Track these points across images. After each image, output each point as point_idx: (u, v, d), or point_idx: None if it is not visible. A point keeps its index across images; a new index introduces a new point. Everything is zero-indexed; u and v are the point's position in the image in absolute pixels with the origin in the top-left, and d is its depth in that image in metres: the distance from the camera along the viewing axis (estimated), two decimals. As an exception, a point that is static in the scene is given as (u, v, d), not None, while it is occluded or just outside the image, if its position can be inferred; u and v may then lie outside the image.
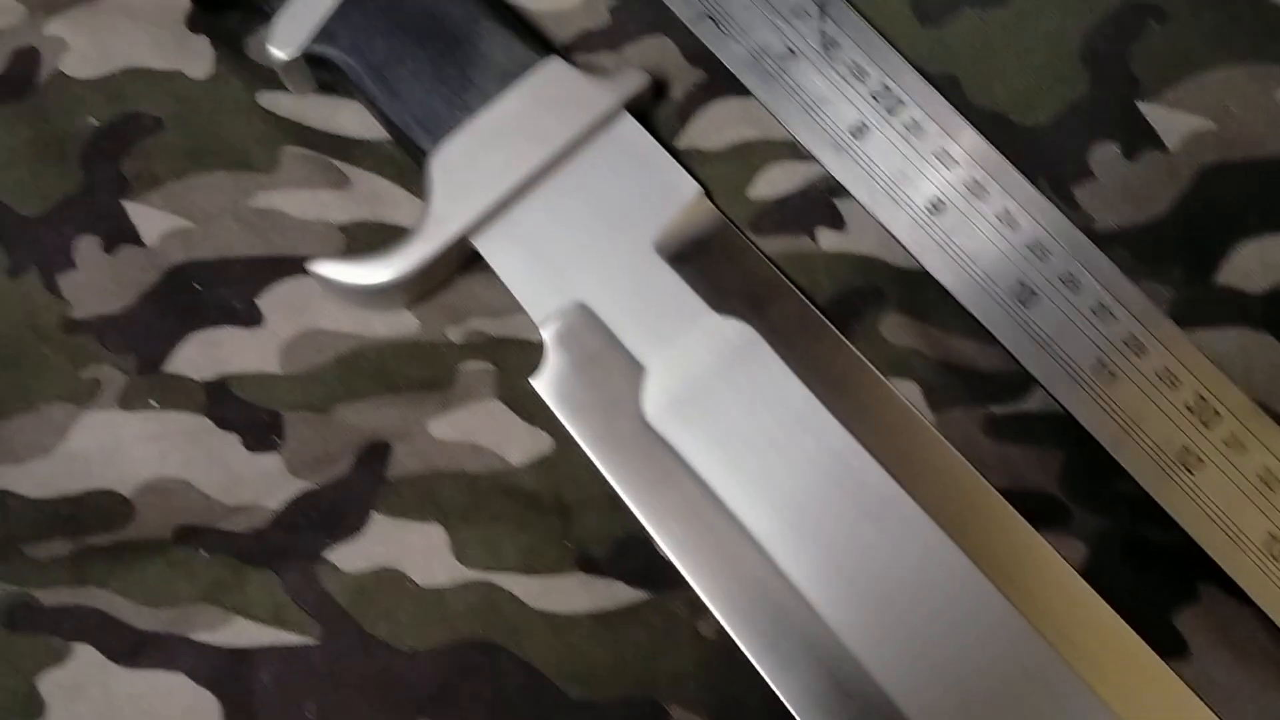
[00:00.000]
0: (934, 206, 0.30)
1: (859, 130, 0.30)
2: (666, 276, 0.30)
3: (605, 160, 0.31)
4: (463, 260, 0.31)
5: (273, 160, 0.32)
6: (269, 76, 0.33)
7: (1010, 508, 0.28)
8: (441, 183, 0.30)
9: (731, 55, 0.31)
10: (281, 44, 0.31)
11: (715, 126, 0.32)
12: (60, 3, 0.33)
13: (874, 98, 0.30)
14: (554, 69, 0.31)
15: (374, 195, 0.32)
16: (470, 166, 0.30)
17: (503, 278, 0.30)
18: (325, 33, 0.31)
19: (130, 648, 0.29)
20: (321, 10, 0.31)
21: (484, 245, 0.30)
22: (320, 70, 0.32)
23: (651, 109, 0.32)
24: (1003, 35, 0.32)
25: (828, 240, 0.31)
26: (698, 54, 0.32)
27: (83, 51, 0.33)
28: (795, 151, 0.31)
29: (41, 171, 0.32)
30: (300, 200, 0.32)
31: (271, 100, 0.33)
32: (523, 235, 0.30)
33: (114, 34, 0.33)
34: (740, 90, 0.32)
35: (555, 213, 0.30)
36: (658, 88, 0.32)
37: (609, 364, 0.30)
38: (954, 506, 0.28)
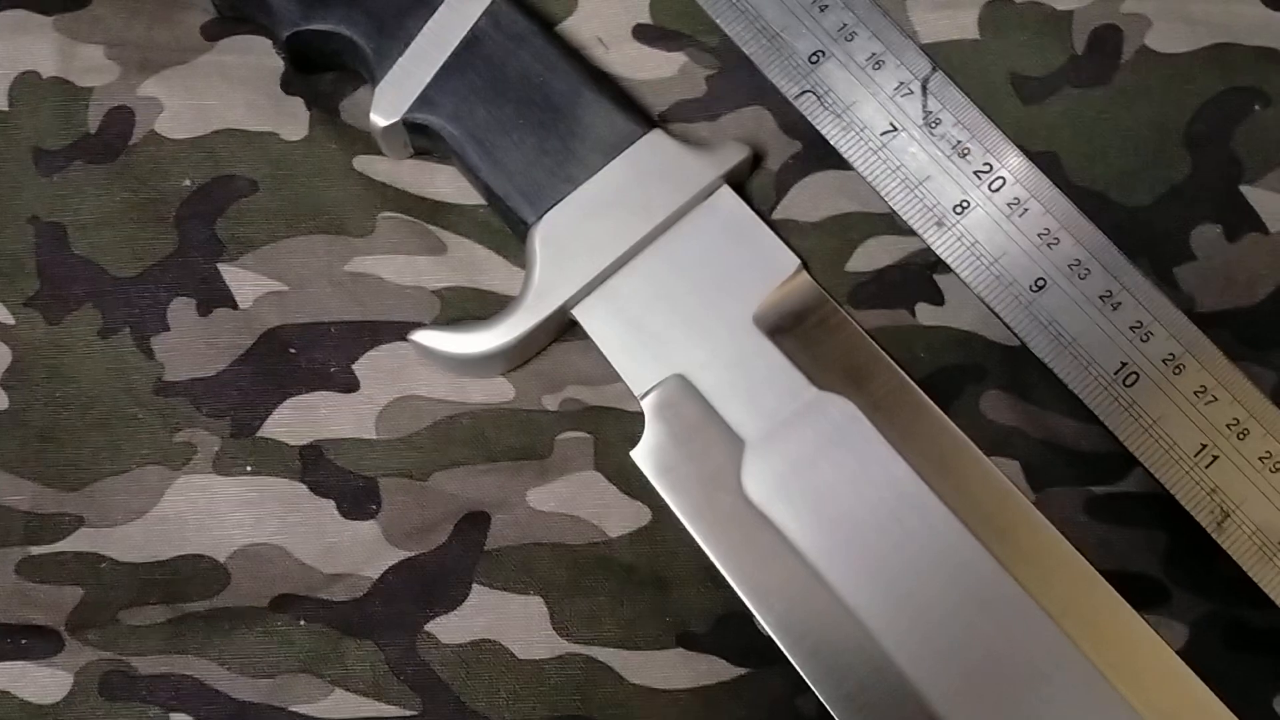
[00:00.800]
0: (1037, 285, 0.30)
1: (961, 207, 0.31)
2: (766, 350, 0.31)
3: (704, 232, 0.32)
4: (561, 329, 0.32)
5: (368, 224, 0.33)
6: (364, 139, 0.34)
7: (1111, 589, 0.30)
8: (544, 254, 0.31)
9: (832, 130, 0.32)
10: (383, 111, 0.32)
11: (813, 199, 0.33)
12: (155, 62, 0.34)
13: (977, 175, 0.31)
14: (655, 141, 0.32)
15: (470, 261, 0.33)
16: (573, 238, 0.31)
17: (602, 348, 0.31)
18: (425, 100, 0.32)
19: (228, 718, 0.29)
20: (422, 77, 0.32)
21: (583, 315, 0.31)
22: (418, 136, 0.33)
23: (748, 179, 0.33)
24: (1104, 114, 0.32)
25: (927, 315, 0.32)
26: (794, 125, 0.33)
27: (178, 112, 0.34)
28: (894, 225, 0.32)
29: (136, 233, 0.33)
30: (396, 265, 0.33)
31: (367, 164, 0.34)
32: (622, 306, 0.31)
33: (209, 95, 0.34)
34: (838, 163, 0.32)
35: (655, 284, 0.31)
36: (755, 159, 0.33)
37: (708, 437, 0.30)
38: (1055, 587, 0.29)
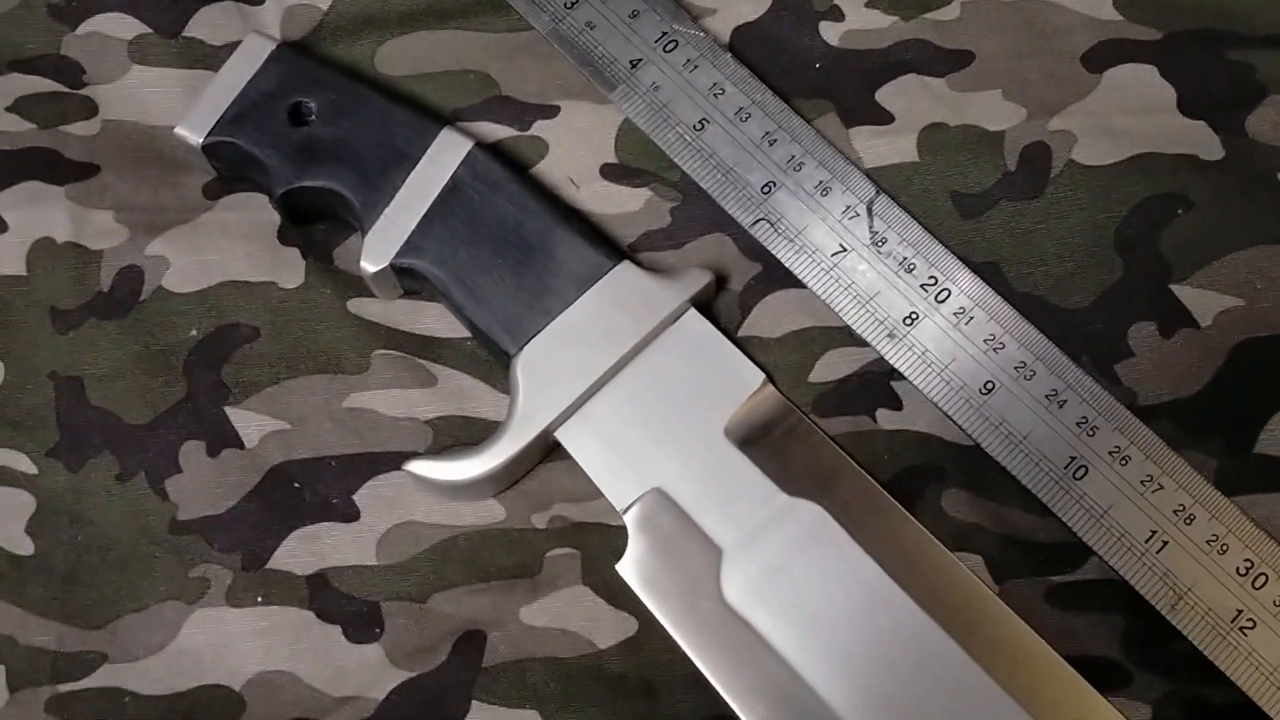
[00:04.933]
0: (986, 388, 0.33)
1: (911, 319, 0.33)
2: (737, 460, 0.33)
3: (674, 353, 0.34)
4: (546, 450, 0.34)
5: (363, 362, 0.36)
6: (357, 283, 0.36)
7: (1075, 673, 0.31)
8: (525, 383, 0.33)
9: (787, 254, 0.34)
10: (372, 258, 0.35)
11: (774, 316, 0.35)
12: (161, 223, 0.37)
13: (923, 288, 0.33)
14: (624, 272, 0.34)
15: (459, 391, 0.36)
16: (552, 366, 0.34)
17: (584, 466, 0.33)
18: (411, 246, 0.35)
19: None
20: (407, 225, 0.35)
21: (565, 437, 0.34)
22: (406, 278, 0.35)
23: (714, 301, 0.36)
24: (1039, 225, 0.35)
25: (887, 420, 0.34)
26: (753, 249, 0.36)
27: (183, 268, 0.37)
28: (850, 338, 0.35)
29: (148, 383, 0.36)
30: (390, 399, 0.36)
31: (360, 306, 0.36)
32: (601, 427, 0.33)
33: (211, 250, 0.37)
34: (795, 282, 0.35)
35: (630, 404, 0.34)
36: (719, 281, 0.35)
37: (688, 547, 0.32)
38: (1022, 674, 0.31)
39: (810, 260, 0.34)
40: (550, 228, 0.35)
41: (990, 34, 0.37)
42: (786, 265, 0.35)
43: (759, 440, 0.34)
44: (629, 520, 0.33)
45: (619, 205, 0.37)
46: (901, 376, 0.34)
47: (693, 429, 0.34)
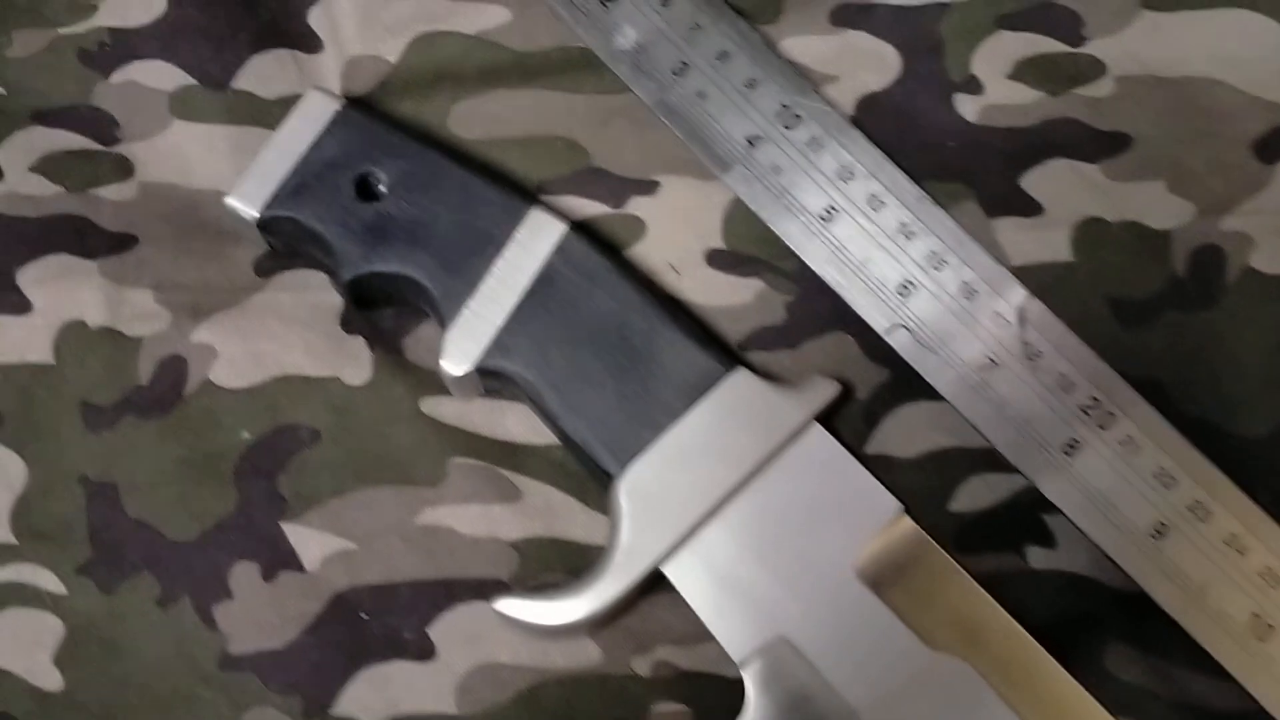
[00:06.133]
0: (1158, 530, 0.29)
1: (1071, 447, 0.29)
2: (873, 607, 0.29)
3: (797, 476, 0.30)
4: (649, 584, 0.30)
5: (439, 472, 0.32)
6: (431, 379, 0.33)
7: None
8: (630, 510, 0.30)
9: (928, 365, 0.30)
10: (454, 360, 0.31)
11: (907, 432, 0.32)
12: (207, 305, 0.33)
13: (1083, 411, 0.30)
14: (741, 381, 0.31)
15: (546, 508, 0.32)
16: (660, 491, 0.30)
17: (695, 608, 0.30)
18: (499, 346, 0.31)
19: None
20: (494, 322, 0.31)
21: (673, 572, 0.30)
22: (490, 379, 0.31)
23: (835, 409, 0.31)
24: (1211, 340, 0.31)
25: (1038, 559, 0.31)
26: (880, 351, 0.32)
27: (233, 359, 0.33)
28: (996, 462, 0.31)
29: (193, 492, 0.32)
30: (469, 516, 0.32)
31: (435, 406, 0.32)
32: (714, 561, 0.30)
33: (265, 338, 0.33)
34: (930, 393, 0.31)
35: (747, 536, 0.30)
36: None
37: (817, 708, 0.29)
38: None
39: (954, 374, 0.30)
40: (656, 327, 0.31)
41: (1148, 115, 0.33)
42: (926, 378, 0.31)
43: (895, 581, 0.30)
44: (748, 674, 0.29)
45: (727, 297, 0.33)
46: (1054, 509, 0.30)
47: (820, 567, 0.30)
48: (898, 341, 0.31)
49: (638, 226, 0.34)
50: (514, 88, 0.34)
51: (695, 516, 0.30)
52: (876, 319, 0.31)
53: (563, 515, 0.32)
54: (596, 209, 0.34)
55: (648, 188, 0.34)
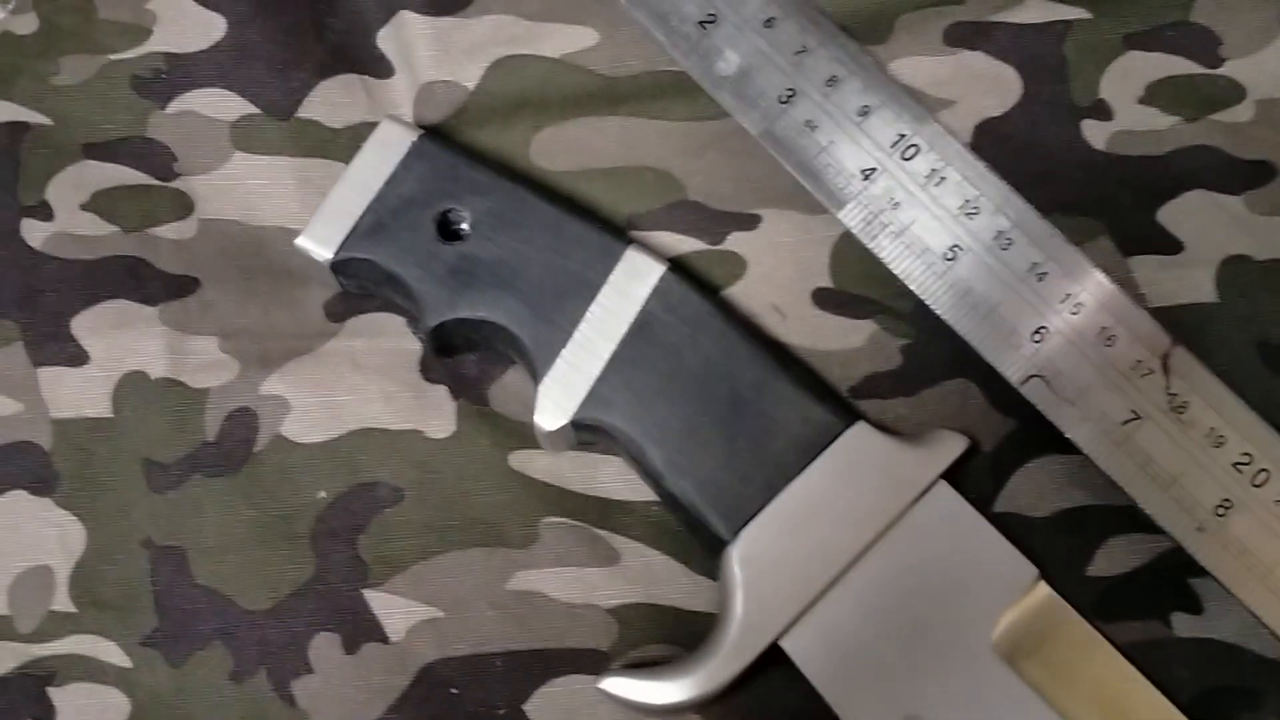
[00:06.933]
0: (1320, 598, 0.26)
1: (1224, 508, 0.27)
2: (1012, 685, 0.27)
3: (924, 539, 0.28)
4: (764, 660, 0.28)
5: (530, 532, 0.30)
6: (518, 430, 0.31)
7: None
8: (746, 579, 0.27)
9: (1064, 417, 0.28)
10: (549, 414, 0.29)
11: (1038, 489, 0.29)
12: (276, 353, 0.31)
13: (1236, 468, 0.28)
14: (861, 437, 0.28)
15: (646, 572, 0.30)
16: (777, 558, 0.28)
17: (817, 685, 0.28)
18: (596, 397, 0.29)
19: None
20: (590, 372, 0.29)
21: (792, 646, 0.28)
22: (585, 433, 0.29)
23: (960, 464, 0.29)
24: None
25: (1184, 626, 0.29)
26: (1007, 400, 0.30)
27: (306, 411, 0.31)
28: (1137, 521, 0.28)
29: (267, 557, 0.30)
30: (563, 580, 0.30)
31: (524, 460, 0.30)
32: (837, 635, 0.28)
33: (341, 389, 0.31)
34: (1063, 445, 0.29)
35: (872, 606, 0.28)
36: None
37: (954, 794, 0.26)
38: None
39: (1093, 427, 0.28)
40: (766, 376, 0.29)
41: (1292, 141, 0.31)
42: (1062, 430, 0.28)
43: (1032, 653, 0.28)
44: (881, 763, 0.27)
45: (837, 340, 0.31)
46: (1200, 571, 0.28)
47: (953, 640, 0.27)
48: (1032, 392, 0.28)
49: (737, 264, 0.31)
50: (601, 114, 0.32)
51: (816, 586, 0.27)
52: (1007, 367, 0.29)
53: (664, 579, 0.30)
54: (692, 245, 0.31)
55: (747, 222, 0.31)
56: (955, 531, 0.28)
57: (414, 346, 0.31)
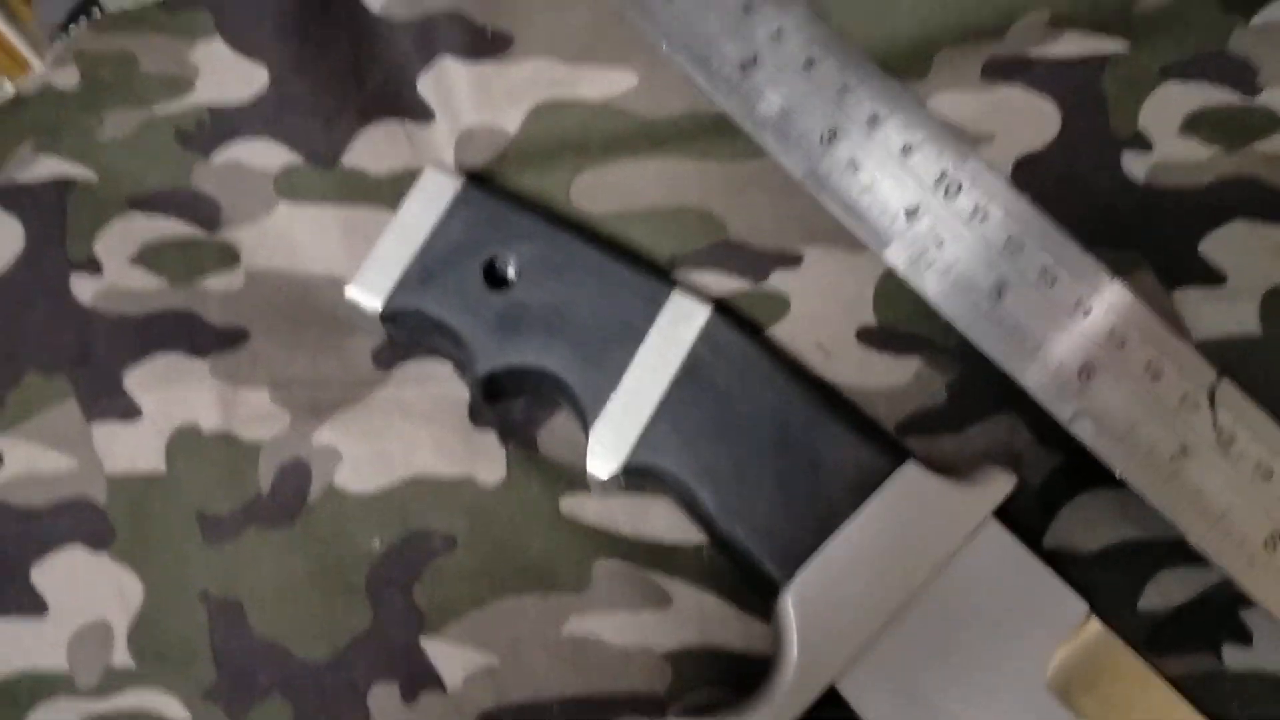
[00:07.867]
0: (1375, 632, 0.27)
1: (1274, 541, 0.27)
2: (1067, 721, 0.27)
3: (976, 578, 0.28)
4: (821, 702, 0.28)
5: (584, 577, 0.30)
6: (568, 474, 0.31)
7: None
8: (801, 623, 0.28)
9: (1113, 453, 0.28)
10: (601, 460, 0.29)
11: (1087, 523, 0.30)
12: (326, 403, 0.31)
13: (1286, 501, 0.27)
14: (912, 477, 0.29)
15: (699, 614, 0.30)
16: (832, 600, 0.28)
17: None
18: (647, 442, 0.29)
19: None
20: (640, 416, 0.29)
21: (849, 689, 0.28)
22: (636, 476, 0.29)
23: (1009, 500, 0.29)
24: None
25: (1235, 658, 0.29)
26: (1054, 435, 0.30)
27: (358, 462, 0.31)
28: (1187, 554, 0.28)
29: (323, 608, 0.30)
30: (618, 624, 0.30)
31: (576, 505, 0.31)
32: (894, 676, 0.28)
33: (391, 437, 0.31)
34: (1110, 479, 0.29)
35: (926, 646, 0.28)
36: (1015, 477, 0.29)
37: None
38: None
39: (1143, 464, 0.28)
40: (815, 417, 0.29)
41: (1333, 171, 0.31)
42: (1110, 465, 0.29)
43: (1086, 690, 0.28)
44: (939, 802, 0.27)
45: (882, 378, 0.31)
46: (1251, 603, 0.28)
47: (1008, 678, 0.28)
48: (1081, 429, 0.29)
49: (781, 303, 0.31)
50: (641, 157, 0.32)
51: (871, 628, 0.28)
52: (1056, 404, 0.29)
53: (717, 622, 0.30)
54: (735, 285, 0.32)
55: (790, 260, 0.32)
56: (1006, 569, 0.28)
57: (462, 392, 0.31)
